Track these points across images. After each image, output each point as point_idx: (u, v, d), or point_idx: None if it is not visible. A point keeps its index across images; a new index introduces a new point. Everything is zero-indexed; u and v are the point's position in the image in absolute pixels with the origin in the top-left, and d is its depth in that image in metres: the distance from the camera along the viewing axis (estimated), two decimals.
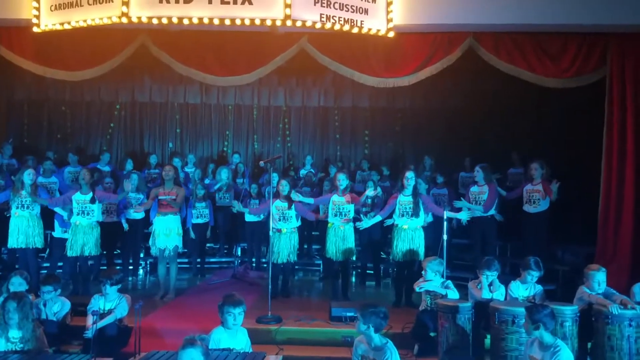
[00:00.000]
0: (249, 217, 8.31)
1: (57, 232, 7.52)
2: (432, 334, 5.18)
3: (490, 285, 5.22)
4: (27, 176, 6.72)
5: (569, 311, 4.71)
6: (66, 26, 6.16)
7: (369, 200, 7.36)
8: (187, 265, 8.56)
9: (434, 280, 5.36)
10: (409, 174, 6.43)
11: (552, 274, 6.83)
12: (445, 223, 6.13)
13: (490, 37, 6.65)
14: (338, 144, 11.21)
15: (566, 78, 6.65)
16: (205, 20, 5.92)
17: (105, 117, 11.12)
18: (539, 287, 5.28)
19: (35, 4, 6.26)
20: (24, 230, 6.72)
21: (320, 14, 5.97)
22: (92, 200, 6.68)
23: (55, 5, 6.17)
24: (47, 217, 7.44)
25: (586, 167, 7.65)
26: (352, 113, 11.13)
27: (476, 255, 7.17)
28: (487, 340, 5.06)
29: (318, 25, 6.00)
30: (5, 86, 10.18)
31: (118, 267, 7.93)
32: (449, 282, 5.41)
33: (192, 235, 8.08)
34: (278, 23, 5.93)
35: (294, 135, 11.25)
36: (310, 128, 11.25)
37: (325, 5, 5.99)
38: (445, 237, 6.06)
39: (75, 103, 10.90)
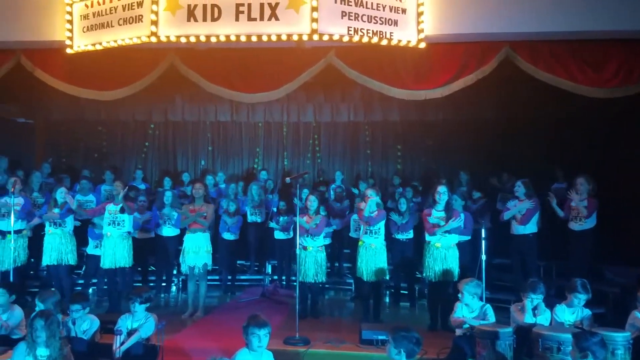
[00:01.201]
0: (278, 235, 8.27)
1: (90, 249, 7.63)
2: None
3: (534, 309, 4.92)
4: (60, 194, 6.88)
5: (620, 338, 4.33)
6: (98, 47, 6.25)
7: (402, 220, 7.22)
8: (218, 283, 8.54)
9: (470, 303, 5.08)
10: (441, 189, 6.20)
11: (601, 297, 6.40)
12: (483, 242, 5.85)
13: (528, 46, 6.37)
14: (369, 160, 11.05)
15: (610, 88, 6.28)
16: (232, 38, 5.88)
17: (140, 137, 11.37)
18: (587, 311, 4.95)
19: (68, 26, 6.39)
20: (56, 247, 6.88)
21: (348, 27, 5.84)
22: (122, 210, 6.75)
23: (87, 26, 6.28)
24: (82, 234, 7.56)
25: (635, 180, 7.20)
26: (383, 127, 10.96)
27: (517, 276, 6.87)
28: None
29: (345, 39, 5.87)
30: (43, 108, 10.51)
31: (151, 284, 8.03)
32: (488, 307, 5.11)
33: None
34: (305, 38, 5.83)
35: (323, 151, 11.16)
36: (340, 143, 11.15)
37: (353, 18, 5.85)
38: (483, 256, 5.77)
39: (110, 123, 11.18)
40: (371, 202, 6.38)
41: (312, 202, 6.76)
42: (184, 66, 6.70)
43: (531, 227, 6.87)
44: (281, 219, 8.24)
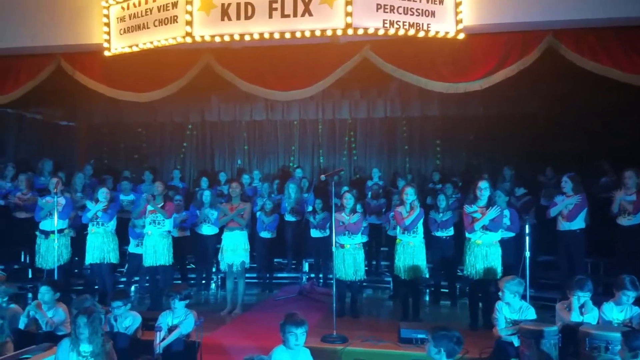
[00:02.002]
0: (314, 233, 8.25)
1: (132, 247, 7.76)
2: None
3: (581, 307, 4.72)
4: (101, 195, 7.01)
5: None
6: (134, 48, 6.33)
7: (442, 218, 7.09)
8: (256, 280, 8.58)
9: (512, 302, 4.90)
10: (483, 184, 6.01)
11: None
12: (527, 238, 5.65)
13: (572, 35, 6.09)
14: (407, 156, 10.90)
15: None
16: (266, 35, 5.87)
17: (178, 138, 11.60)
18: (637, 309, 4.72)
19: (105, 29, 6.51)
20: (99, 246, 6.99)
21: (383, 20, 5.73)
22: (162, 209, 6.80)
23: (124, 28, 6.38)
24: (124, 234, 7.70)
25: None
26: (421, 123, 10.78)
27: (563, 273, 6.64)
28: None
29: (381, 32, 5.76)
30: (85, 111, 10.83)
31: (192, 282, 8.12)
32: (531, 310, 4.91)
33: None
34: (339, 33, 5.75)
35: (360, 148, 11.08)
36: (377, 140, 11.03)
37: (388, 10, 5.73)
38: (527, 253, 5.58)
39: (149, 125, 11.43)
40: (415, 214, 6.27)
41: (349, 199, 6.67)
42: (219, 66, 6.72)
43: (578, 223, 6.63)
44: (317, 216, 8.20)
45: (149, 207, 6.85)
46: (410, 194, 6.33)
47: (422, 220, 6.41)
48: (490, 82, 6.26)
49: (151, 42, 6.19)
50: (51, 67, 6.96)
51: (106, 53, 6.54)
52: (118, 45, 6.45)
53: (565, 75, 7.04)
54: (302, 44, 6.24)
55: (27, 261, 8.40)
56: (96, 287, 7.32)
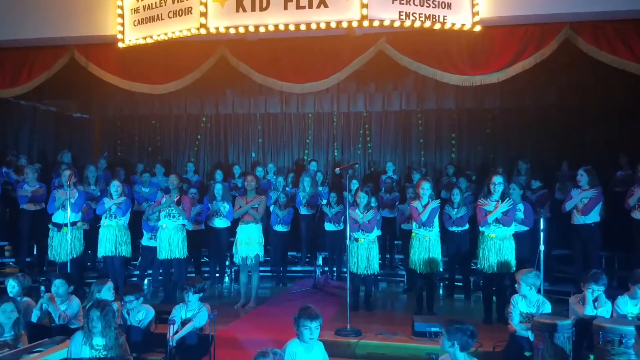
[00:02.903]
0: (328, 227, 8.23)
1: (145, 240, 7.79)
2: (527, 354, 4.65)
3: (595, 300, 4.68)
4: (113, 187, 7.03)
5: None
6: (149, 40, 6.34)
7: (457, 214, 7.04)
8: (270, 274, 8.60)
9: (528, 295, 4.86)
10: (497, 179, 5.94)
11: None
12: (542, 232, 5.59)
13: (590, 27, 6.00)
14: (422, 149, 10.81)
15: None
16: (281, 27, 5.85)
17: (193, 130, 11.60)
18: None
19: (120, 20, 6.51)
20: (111, 239, 7.01)
21: (399, 12, 5.69)
22: (178, 203, 6.81)
23: (138, 20, 6.38)
24: (137, 227, 7.73)
25: None
26: (437, 116, 10.69)
27: (578, 267, 6.62)
28: None
29: (397, 24, 5.72)
30: (99, 104, 10.89)
31: (206, 275, 8.13)
32: (547, 305, 4.86)
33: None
34: (354, 24, 5.72)
35: (374, 141, 11.00)
36: (392, 133, 10.95)
37: (404, 2, 5.69)
38: (542, 247, 5.52)
39: (164, 117, 11.45)
40: (430, 208, 6.22)
41: (362, 198, 6.62)
42: (234, 58, 6.70)
43: (593, 217, 6.58)
44: (332, 210, 8.18)
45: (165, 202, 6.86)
46: (427, 189, 6.28)
47: (437, 214, 6.37)
48: (506, 75, 6.21)
49: (165, 34, 6.19)
50: (65, 59, 6.98)
51: (120, 45, 6.55)
52: (132, 36, 6.45)
53: (582, 68, 6.97)
54: (318, 35, 6.22)
55: (36, 253, 8.38)
56: (109, 280, 7.35)
